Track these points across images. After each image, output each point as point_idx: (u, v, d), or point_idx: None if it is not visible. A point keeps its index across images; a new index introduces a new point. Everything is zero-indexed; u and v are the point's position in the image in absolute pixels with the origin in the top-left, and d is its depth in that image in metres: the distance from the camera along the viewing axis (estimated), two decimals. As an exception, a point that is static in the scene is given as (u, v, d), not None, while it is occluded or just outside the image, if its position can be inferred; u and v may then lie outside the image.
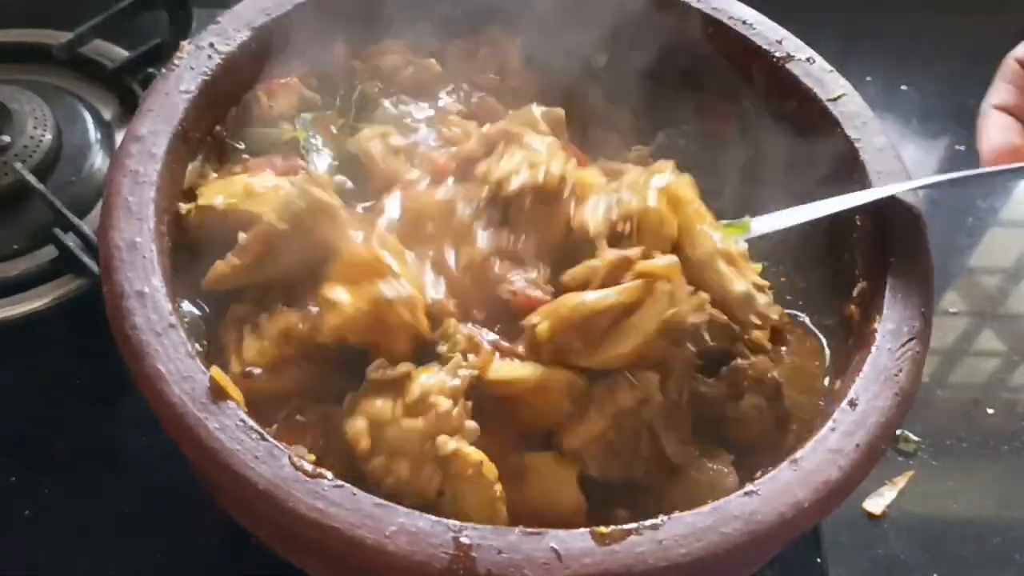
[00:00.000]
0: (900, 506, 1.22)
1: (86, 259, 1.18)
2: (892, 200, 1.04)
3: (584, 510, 0.92)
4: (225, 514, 0.95)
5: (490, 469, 0.87)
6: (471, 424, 0.89)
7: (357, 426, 0.89)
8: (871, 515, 1.21)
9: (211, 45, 1.10)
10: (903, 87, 1.72)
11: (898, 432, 1.27)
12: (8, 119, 1.29)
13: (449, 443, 0.86)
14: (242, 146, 1.12)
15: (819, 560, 1.17)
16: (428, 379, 0.90)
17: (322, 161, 1.12)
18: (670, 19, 1.21)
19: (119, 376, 0.88)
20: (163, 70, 1.08)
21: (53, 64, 1.42)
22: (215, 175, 1.09)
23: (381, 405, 0.89)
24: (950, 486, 1.25)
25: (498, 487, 0.87)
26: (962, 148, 1.64)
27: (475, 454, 0.87)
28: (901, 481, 1.24)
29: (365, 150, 1.11)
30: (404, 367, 0.91)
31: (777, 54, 1.16)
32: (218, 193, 1.04)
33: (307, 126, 1.15)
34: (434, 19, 1.24)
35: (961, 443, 1.29)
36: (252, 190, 1.03)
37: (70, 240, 1.20)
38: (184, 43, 1.10)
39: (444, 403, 0.88)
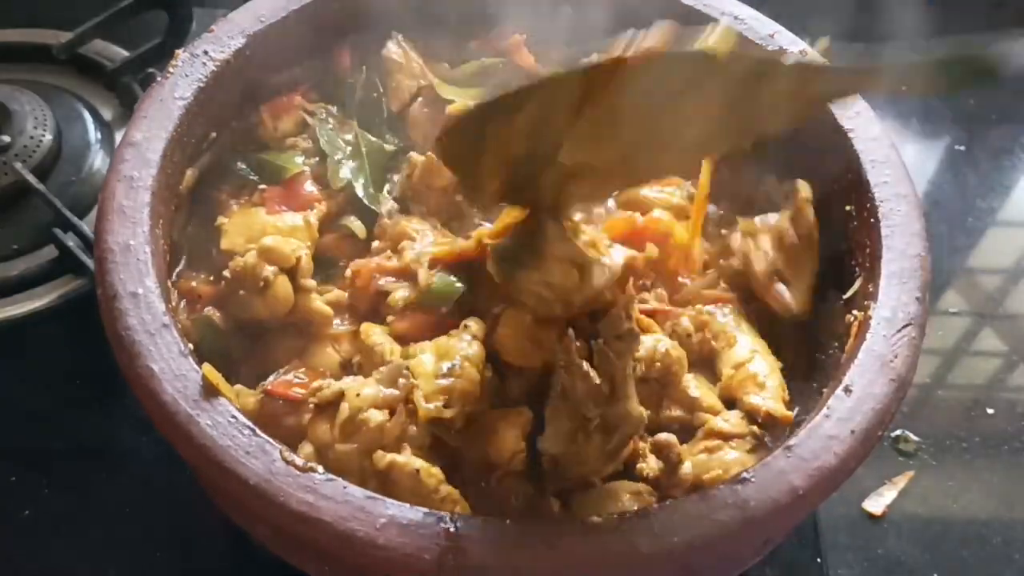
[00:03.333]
0: (900, 506, 1.22)
1: (86, 259, 1.19)
2: (887, 187, 1.04)
3: (523, 455, 0.92)
4: (223, 512, 0.96)
5: (430, 474, 0.87)
6: (415, 429, 0.91)
7: (306, 451, 0.90)
8: (871, 515, 1.21)
9: (205, 52, 1.10)
10: (903, 87, 1.71)
11: (898, 432, 1.28)
12: (8, 119, 1.29)
13: (384, 458, 0.87)
14: (255, 178, 1.14)
15: (819, 560, 1.17)
16: (362, 393, 0.91)
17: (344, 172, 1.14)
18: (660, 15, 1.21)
19: (118, 376, 0.88)
20: (158, 77, 1.08)
21: (53, 64, 1.43)
22: (235, 205, 1.11)
23: (323, 429, 0.91)
24: (950, 486, 1.25)
25: (444, 488, 0.87)
26: (962, 148, 1.65)
27: (410, 463, 0.87)
28: (901, 481, 1.24)
29: None
30: (337, 385, 0.92)
31: (769, 47, 1.16)
32: (240, 234, 1.06)
33: (324, 132, 1.16)
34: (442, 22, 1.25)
35: (961, 443, 1.29)
36: (270, 231, 1.05)
37: (70, 240, 1.21)
38: (178, 51, 1.10)
39: (376, 417, 0.89)
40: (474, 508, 0.89)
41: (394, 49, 1.21)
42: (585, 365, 0.89)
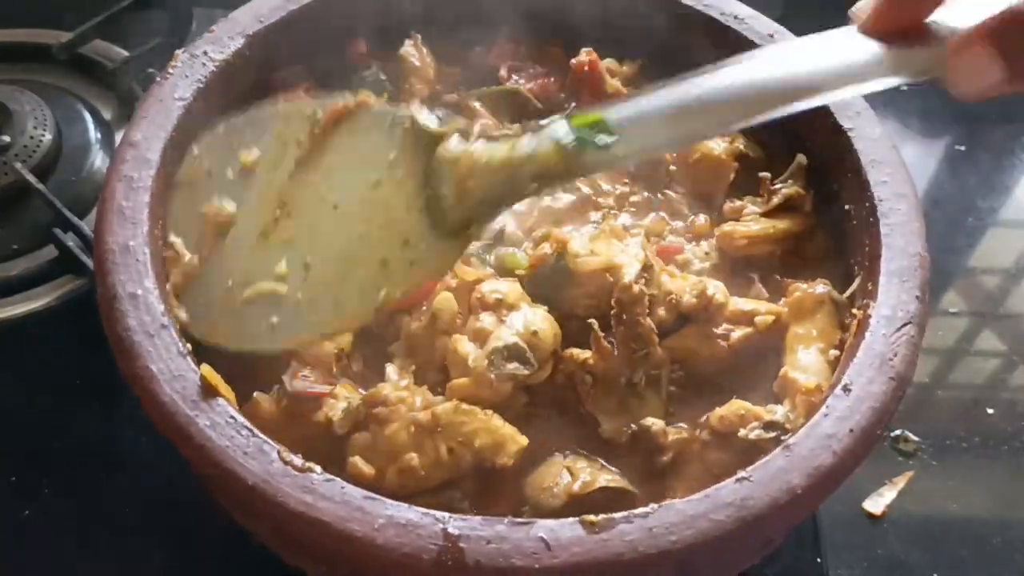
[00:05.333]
0: (900, 506, 1.22)
1: (86, 259, 1.19)
2: (887, 187, 1.04)
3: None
4: (224, 512, 0.96)
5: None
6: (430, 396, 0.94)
7: (358, 464, 0.90)
8: (871, 515, 1.21)
9: (205, 53, 1.10)
10: (903, 87, 1.71)
11: (898, 432, 1.27)
12: (8, 119, 1.29)
13: (422, 415, 0.89)
14: None
15: (819, 560, 1.16)
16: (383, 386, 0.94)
17: None
18: (662, 15, 1.22)
19: (119, 376, 0.88)
20: (158, 78, 1.08)
21: (53, 64, 1.43)
22: None
23: (362, 436, 0.91)
24: (950, 486, 1.25)
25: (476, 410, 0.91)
26: (961, 148, 1.65)
27: (446, 406, 0.91)
28: (901, 481, 1.23)
29: None
30: (356, 399, 0.94)
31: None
32: None
33: None
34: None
35: (961, 443, 1.28)
36: None
37: (70, 240, 1.21)
38: (178, 52, 1.10)
39: (400, 394, 0.93)
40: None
41: (411, 51, 1.22)
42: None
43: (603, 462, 0.95)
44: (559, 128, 0.84)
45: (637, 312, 0.96)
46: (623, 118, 0.84)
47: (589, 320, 0.96)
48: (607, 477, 0.92)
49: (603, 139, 0.84)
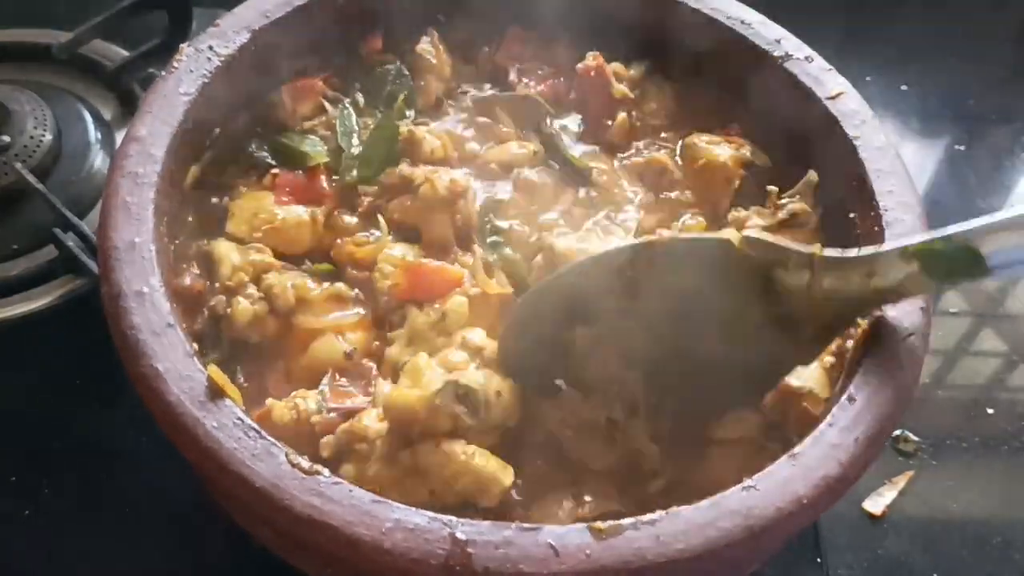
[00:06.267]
0: (900, 506, 1.22)
1: (86, 259, 1.18)
2: (892, 197, 1.03)
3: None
4: (224, 513, 0.96)
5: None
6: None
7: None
8: (871, 515, 1.21)
9: (210, 48, 1.10)
10: (903, 87, 1.72)
11: (898, 432, 1.28)
12: (8, 119, 1.29)
13: (402, 455, 0.89)
14: (272, 161, 1.14)
15: (819, 560, 1.17)
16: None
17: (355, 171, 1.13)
18: (669, 19, 1.22)
19: (119, 376, 0.88)
20: (162, 73, 1.08)
21: (53, 64, 1.42)
22: (243, 187, 1.11)
23: (348, 470, 0.91)
24: (950, 486, 1.25)
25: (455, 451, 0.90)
26: (961, 148, 1.65)
27: (425, 447, 0.89)
28: (901, 481, 1.24)
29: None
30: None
31: (775, 53, 1.15)
32: (246, 221, 1.07)
33: (343, 124, 1.16)
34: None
35: (961, 443, 1.29)
36: (277, 224, 1.07)
37: (70, 240, 1.20)
38: (183, 46, 1.10)
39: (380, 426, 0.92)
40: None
41: (427, 48, 1.22)
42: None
43: (603, 491, 0.94)
44: (921, 260, 0.88)
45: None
46: (998, 247, 0.84)
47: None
48: (611, 504, 0.92)
49: (975, 269, 0.85)
